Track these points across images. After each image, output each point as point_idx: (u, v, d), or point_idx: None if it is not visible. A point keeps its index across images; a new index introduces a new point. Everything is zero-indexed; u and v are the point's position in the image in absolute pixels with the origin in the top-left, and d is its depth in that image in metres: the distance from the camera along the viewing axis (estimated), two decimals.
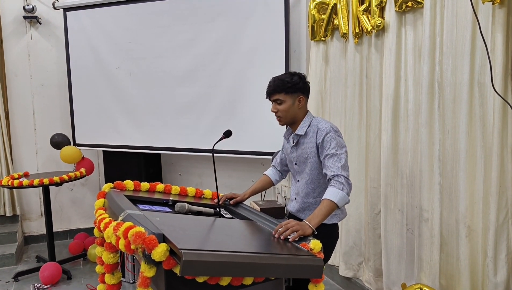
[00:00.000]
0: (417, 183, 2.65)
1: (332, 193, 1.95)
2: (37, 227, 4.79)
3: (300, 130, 2.16)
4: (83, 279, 3.82)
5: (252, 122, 3.85)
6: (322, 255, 1.68)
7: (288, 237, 1.77)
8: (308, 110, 2.21)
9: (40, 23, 4.59)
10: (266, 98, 2.18)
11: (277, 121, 2.20)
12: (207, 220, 1.98)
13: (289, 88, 2.09)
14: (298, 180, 2.26)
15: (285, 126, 2.26)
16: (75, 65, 4.52)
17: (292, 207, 2.30)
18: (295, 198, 2.28)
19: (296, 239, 1.78)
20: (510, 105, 2.08)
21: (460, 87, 2.37)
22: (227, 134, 2.27)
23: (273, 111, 2.16)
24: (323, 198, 1.97)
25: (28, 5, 4.47)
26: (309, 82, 2.19)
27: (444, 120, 2.47)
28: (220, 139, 2.25)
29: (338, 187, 1.95)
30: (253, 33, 3.78)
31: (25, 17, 4.50)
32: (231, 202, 2.37)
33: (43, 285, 3.63)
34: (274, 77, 2.15)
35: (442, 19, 2.44)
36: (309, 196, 2.19)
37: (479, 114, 2.29)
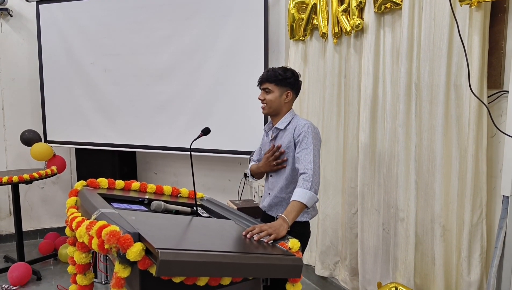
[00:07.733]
0: (393, 183, 2.68)
1: (300, 194, 1.97)
2: (5, 226, 4.63)
3: (281, 125, 2.23)
4: (54, 280, 3.71)
5: (230, 121, 3.81)
6: (300, 255, 1.68)
7: (263, 239, 1.75)
8: (292, 108, 2.28)
9: (11, 16, 4.44)
10: (257, 85, 2.28)
11: (261, 109, 2.28)
12: (184, 219, 1.94)
13: (279, 81, 2.19)
14: (271, 175, 2.29)
15: (266, 120, 2.29)
16: (47, 60, 4.39)
17: (265, 202, 2.32)
18: (269, 193, 2.31)
19: (271, 241, 1.76)
20: (486, 106, 2.12)
21: (436, 88, 2.40)
22: (205, 131, 2.23)
23: (260, 99, 2.25)
24: (291, 199, 1.98)
25: None
26: (301, 82, 2.30)
27: (420, 121, 2.50)
28: (198, 137, 2.21)
29: (306, 187, 1.98)
30: (232, 31, 3.74)
31: None
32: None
33: (12, 286, 3.51)
34: (269, 68, 2.28)
35: (420, 21, 2.46)
36: (282, 191, 2.22)
37: (455, 116, 2.32)
